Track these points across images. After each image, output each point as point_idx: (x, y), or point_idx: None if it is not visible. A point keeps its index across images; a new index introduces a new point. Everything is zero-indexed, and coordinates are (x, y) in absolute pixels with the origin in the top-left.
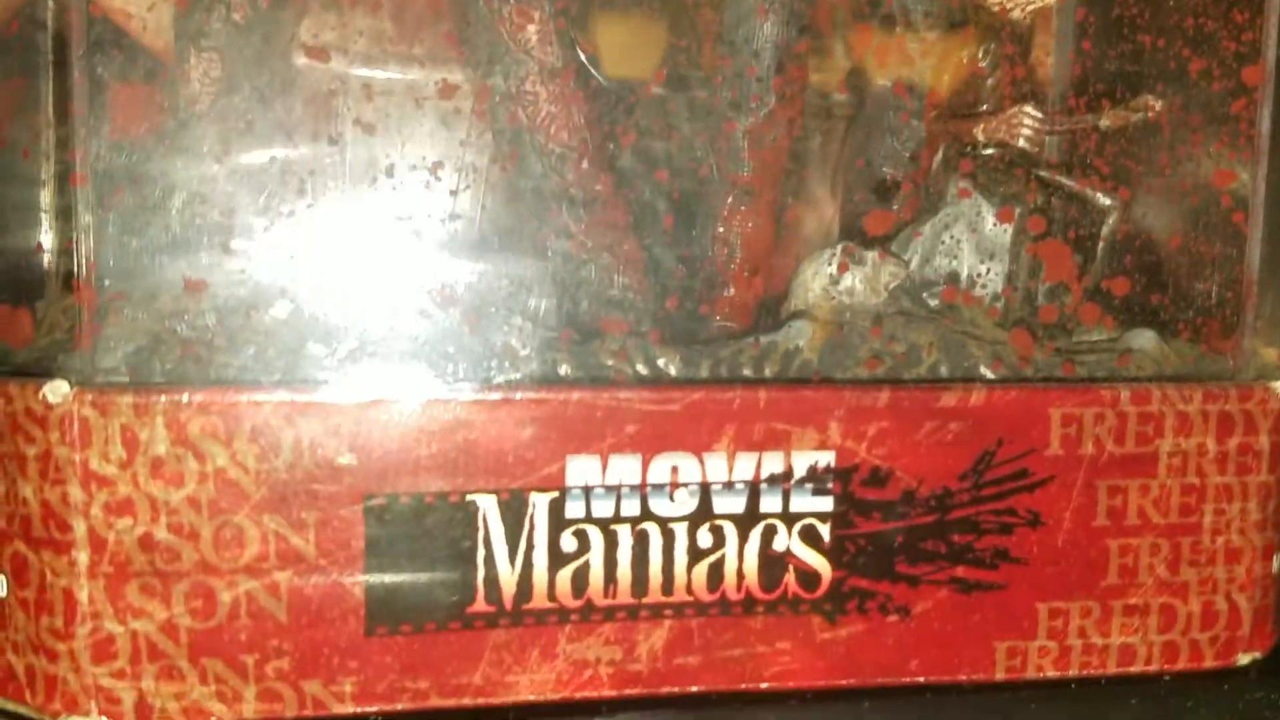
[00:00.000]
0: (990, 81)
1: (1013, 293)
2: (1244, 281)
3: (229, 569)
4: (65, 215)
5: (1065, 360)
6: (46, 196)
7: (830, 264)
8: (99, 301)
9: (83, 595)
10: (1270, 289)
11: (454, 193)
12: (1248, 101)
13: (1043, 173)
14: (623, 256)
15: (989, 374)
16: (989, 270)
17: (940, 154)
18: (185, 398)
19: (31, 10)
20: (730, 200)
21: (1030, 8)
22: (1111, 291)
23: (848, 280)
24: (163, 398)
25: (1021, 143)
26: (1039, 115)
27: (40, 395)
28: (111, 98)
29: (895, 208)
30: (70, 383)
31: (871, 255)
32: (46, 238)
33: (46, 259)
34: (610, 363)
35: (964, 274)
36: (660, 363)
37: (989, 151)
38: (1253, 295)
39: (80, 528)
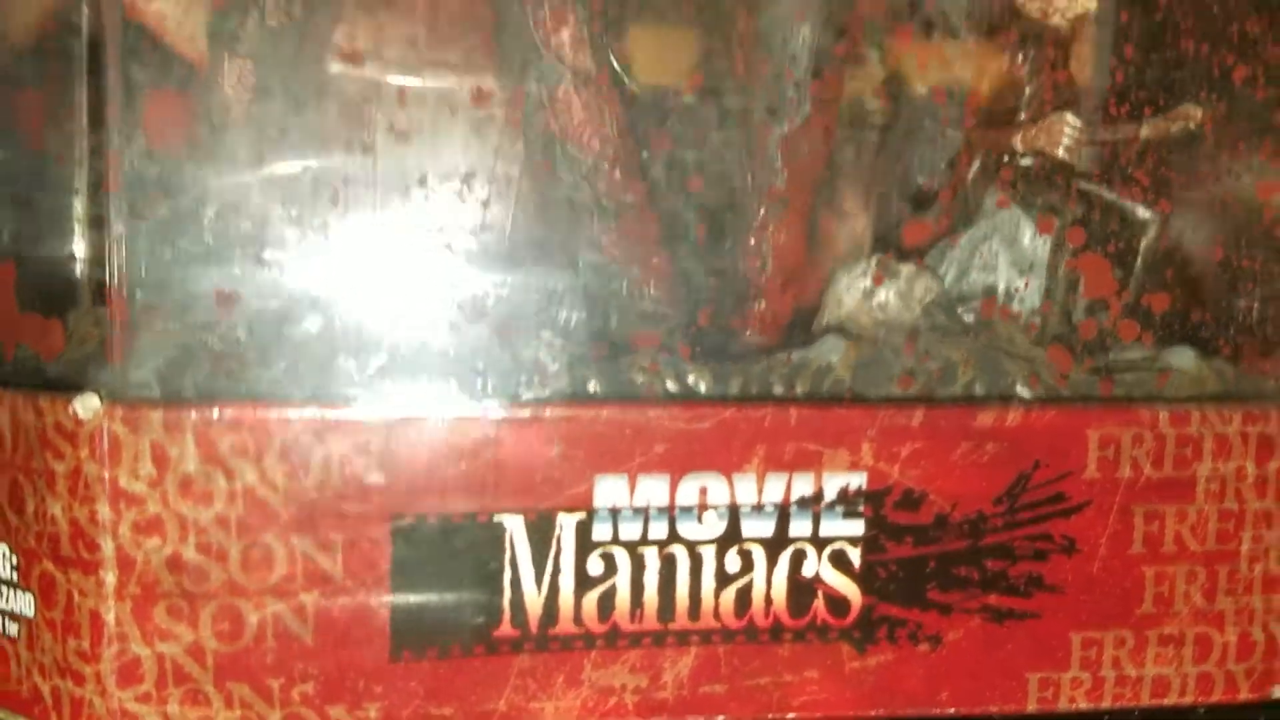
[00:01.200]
0: (1029, 89)
1: (1051, 308)
2: None
3: (256, 590)
4: (98, 224)
5: (1103, 378)
6: (79, 205)
7: (865, 277)
8: (130, 313)
9: (110, 617)
10: None
11: (485, 203)
12: None
13: (1082, 183)
14: (654, 269)
15: (1025, 392)
16: (1026, 285)
17: (977, 163)
18: (216, 413)
19: (65, 14)
20: (764, 211)
21: (1070, 14)
22: (1151, 307)
23: (882, 294)
24: (193, 413)
25: (1061, 152)
26: (1079, 123)
27: (70, 410)
28: (145, 104)
29: (933, 218)
30: (101, 397)
31: (906, 269)
32: (79, 247)
33: (78, 269)
34: (641, 379)
35: (1001, 288)
36: (690, 379)
37: (1027, 162)
38: None
39: (109, 547)
